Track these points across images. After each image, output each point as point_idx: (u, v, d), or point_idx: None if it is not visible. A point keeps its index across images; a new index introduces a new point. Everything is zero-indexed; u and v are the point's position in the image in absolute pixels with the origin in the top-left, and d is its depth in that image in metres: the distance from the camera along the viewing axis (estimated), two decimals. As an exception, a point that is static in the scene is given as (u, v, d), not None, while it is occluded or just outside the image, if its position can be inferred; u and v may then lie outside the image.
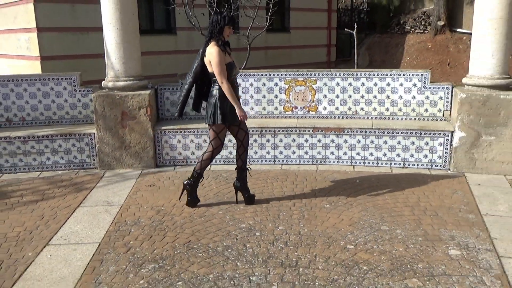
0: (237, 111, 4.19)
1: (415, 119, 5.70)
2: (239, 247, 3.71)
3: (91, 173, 5.54)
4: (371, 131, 5.55)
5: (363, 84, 5.74)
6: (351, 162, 5.65)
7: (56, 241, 3.86)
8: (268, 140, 5.69)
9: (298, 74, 5.83)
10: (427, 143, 5.45)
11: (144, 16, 10.89)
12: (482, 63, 5.23)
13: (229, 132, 4.49)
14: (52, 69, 9.05)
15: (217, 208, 4.45)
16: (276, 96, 5.88)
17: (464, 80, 5.47)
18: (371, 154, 5.60)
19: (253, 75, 5.82)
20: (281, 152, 5.71)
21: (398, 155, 5.55)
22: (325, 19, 15.26)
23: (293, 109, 5.90)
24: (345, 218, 4.20)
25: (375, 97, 5.75)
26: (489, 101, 5.16)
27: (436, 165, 5.48)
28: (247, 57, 7.93)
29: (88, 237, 3.94)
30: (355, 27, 10.94)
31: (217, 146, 4.39)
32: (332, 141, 5.63)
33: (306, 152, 5.69)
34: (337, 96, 5.80)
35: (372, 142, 5.56)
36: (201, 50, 4.26)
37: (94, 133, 5.59)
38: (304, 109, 5.88)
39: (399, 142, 5.51)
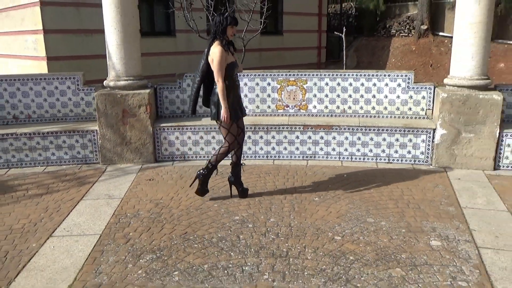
0: (222, 110, 4.10)
1: (399, 117, 5.67)
2: (233, 238, 3.66)
3: (94, 168, 5.46)
4: (358, 128, 5.50)
5: (350, 84, 5.69)
6: (339, 158, 5.61)
7: (59, 233, 3.80)
8: (261, 137, 5.64)
9: (290, 75, 5.77)
10: (410, 140, 5.42)
11: (145, 19, 10.78)
12: (463, 65, 5.20)
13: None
14: (57, 69, 8.96)
15: (213, 201, 4.40)
16: (269, 95, 5.82)
17: (446, 81, 5.44)
18: (358, 150, 5.56)
19: (247, 75, 5.76)
20: (273, 148, 5.67)
21: (383, 151, 5.51)
22: (315, 23, 15.20)
23: (285, 108, 5.84)
24: (333, 211, 4.16)
25: (362, 96, 5.70)
26: (469, 101, 5.13)
27: (419, 161, 5.45)
28: (242, 58, 7.86)
29: (89, 229, 3.88)
30: (344, 31, 10.90)
31: (232, 141, 4.29)
32: (321, 137, 5.58)
33: (297, 148, 5.64)
34: (326, 95, 5.75)
35: (359, 138, 5.52)
36: (206, 50, 4.17)
37: (97, 130, 5.52)
38: (295, 108, 5.83)
39: (384, 139, 5.47)
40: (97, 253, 3.47)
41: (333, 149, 5.60)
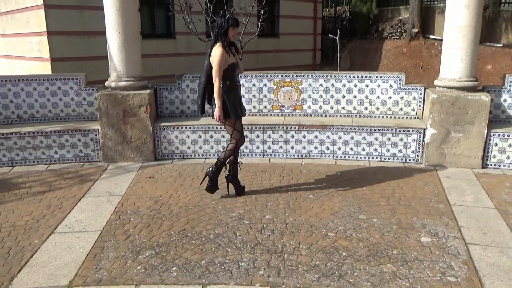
0: (216, 109, 4.06)
1: (391, 117, 5.64)
2: (230, 235, 3.63)
3: (96, 166, 5.41)
4: (351, 128, 5.47)
5: (344, 85, 5.66)
6: (333, 156, 5.58)
7: (61, 229, 3.76)
8: (257, 136, 5.60)
9: (285, 76, 5.73)
10: (401, 139, 5.40)
11: (146, 22, 10.72)
12: (452, 67, 5.18)
13: (224, 128, 4.36)
14: (61, 70, 8.90)
15: (210, 199, 4.36)
16: (265, 96, 5.78)
17: (436, 82, 5.41)
18: (351, 149, 5.53)
19: (244, 76, 5.71)
20: (269, 147, 5.63)
21: (375, 150, 5.48)
22: (311, 26, 15.18)
23: (281, 108, 5.81)
24: (327, 208, 4.13)
25: (355, 97, 5.67)
26: (458, 101, 5.10)
27: (410, 159, 5.43)
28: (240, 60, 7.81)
29: (91, 225, 3.84)
30: (338, 33, 10.86)
31: (239, 137, 4.25)
32: (316, 137, 5.55)
33: (292, 147, 5.61)
34: (321, 96, 5.72)
35: (352, 138, 5.49)
36: (208, 51, 4.12)
37: (98, 129, 5.47)
38: (290, 108, 5.79)
39: (376, 138, 5.45)
40: (98, 249, 3.43)
41: (327, 148, 5.57)
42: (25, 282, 3.00)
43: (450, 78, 5.21)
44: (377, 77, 5.60)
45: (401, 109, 5.60)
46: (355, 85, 5.64)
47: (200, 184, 4.48)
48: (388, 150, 5.45)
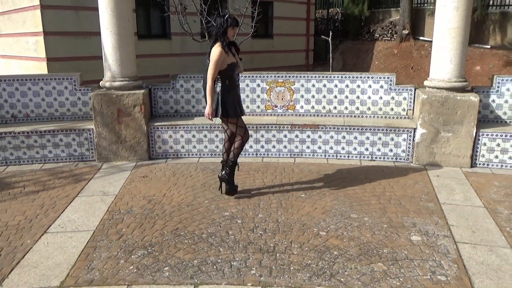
0: (207, 107, 3.99)
1: (382, 117, 5.59)
2: (222, 234, 3.56)
3: (90, 165, 5.32)
4: (342, 127, 5.42)
5: (336, 86, 5.60)
6: (325, 156, 5.52)
7: (53, 229, 3.67)
8: (250, 135, 5.52)
9: (278, 76, 5.66)
10: (392, 139, 5.35)
11: (142, 22, 10.61)
12: (442, 68, 5.14)
13: (221, 127, 4.27)
14: (57, 69, 8.78)
15: (203, 198, 4.29)
16: (258, 96, 5.71)
17: (426, 83, 5.37)
18: (343, 148, 5.48)
19: (238, 76, 5.63)
20: (262, 146, 5.56)
21: (366, 149, 5.43)
22: (304, 27, 15.13)
23: (274, 108, 5.74)
24: (319, 207, 4.07)
25: (346, 97, 5.61)
26: (447, 102, 5.06)
27: (400, 158, 5.38)
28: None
29: (83, 225, 3.75)
30: (331, 34, 10.82)
31: (243, 133, 4.17)
32: (308, 136, 5.49)
33: (285, 146, 5.55)
34: (313, 96, 5.66)
35: (343, 137, 5.44)
36: (208, 51, 4.03)
37: (93, 129, 5.37)
38: (283, 108, 5.73)
39: (367, 138, 5.39)
40: (90, 249, 3.34)
41: (319, 147, 5.51)
42: (16, 283, 2.91)
43: (439, 79, 5.17)
44: (368, 77, 5.55)
45: (392, 109, 5.55)
46: (347, 86, 5.58)
47: (221, 192, 4.32)
48: (379, 150, 5.40)
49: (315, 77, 5.62)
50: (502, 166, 5.13)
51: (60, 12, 9.10)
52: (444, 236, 3.52)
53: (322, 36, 12.66)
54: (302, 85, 5.64)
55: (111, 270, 3.05)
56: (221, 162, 4.40)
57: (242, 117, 4.21)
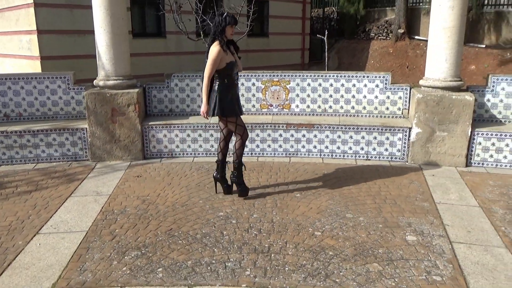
0: (202, 106, 3.96)
1: (377, 116, 5.57)
2: (217, 234, 3.52)
3: (83, 165, 5.26)
4: (338, 127, 5.40)
5: (331, 85, 5.58)
6: (320, 155, 5.50)
7: (46, 230, 3.62)
8: (246, 135, 5.49)
9: (273, 75, 5.63)
10: (387, 138, 5.33)
11: (137, 21, 10.53)
12: (437, 67, 5.12)
13: (218, 126, 4.23)
14: (51, 68, 8.69)
15: (198, 198, 4.25)
16: (253, 95, 5.68)
17: (421, 82, 5.36)
18: (338, 147, 5.46)
19: (233, 75, 5.59)
20: (257, 146, 5.53)
21: (362, 148, 5.41)
22: (299, 26, 15.11)
23: (269, 107, 5.71)
24: (314, 207, 4.04)
25: (342, 96, 5.59)
26: (443, 101, 5.05)
27: (396, 158, 5.37)
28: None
29: (76, 225, 3.70)
30: (326, 33, 10.81)
31: (243, 132, 4.14)
32: (303, 135, 5.46)
33: (280, 146, 5.52)
34: (308, 95, 5.63)
35: (339, 137, 5.42)
36: (207, 49, 3.98)
37: (87, 128, 5.31)
38: (278, 107, 5.70)
39: (363, 137, 5.38)
40: (83, 250, 3.30)
41: (315, 147, 5.48)
42: (7, 285, 2.86)
43: (435, 78, 5.16)
44: (363, 76, 5.52)
45: (387, 108, 5.54)
46: (342, 85, 5.56)
47: (238, 196, 4.24)
48: (374, 149, 5.39)
49: (311, 76, 5.60)
50: (497, 165, 5.13)
51: (54, 10, 9.02)
52: (439, 236, 3.51)
53: (317, 35, 12.65)
54: (298, 84, 5.61)
55: (104, 272, 3.01)
56: (216, 162, 4.36)
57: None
